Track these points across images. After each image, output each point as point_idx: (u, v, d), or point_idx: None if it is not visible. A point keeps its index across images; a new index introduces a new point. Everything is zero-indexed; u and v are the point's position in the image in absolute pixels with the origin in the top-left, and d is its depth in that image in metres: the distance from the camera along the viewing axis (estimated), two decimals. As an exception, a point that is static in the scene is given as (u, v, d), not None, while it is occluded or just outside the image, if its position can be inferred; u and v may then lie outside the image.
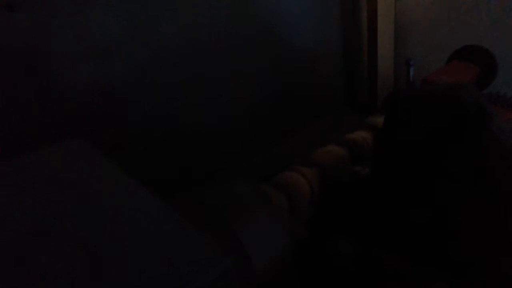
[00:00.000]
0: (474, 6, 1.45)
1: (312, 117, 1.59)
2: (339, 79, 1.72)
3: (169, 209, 0.50)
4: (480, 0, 1.43)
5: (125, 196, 0.52)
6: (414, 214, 0.78)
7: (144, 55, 1.09)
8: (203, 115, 1.27)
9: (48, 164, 0.57)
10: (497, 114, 0.77)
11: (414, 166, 0.78)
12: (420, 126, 0.77)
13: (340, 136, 1.11)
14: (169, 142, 1.18)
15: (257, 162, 1.38)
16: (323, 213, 0.99)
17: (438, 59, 1.46)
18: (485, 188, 0.73)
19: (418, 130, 0.77)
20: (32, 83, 0.92)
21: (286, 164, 1.03)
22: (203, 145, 1.29)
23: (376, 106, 1.65)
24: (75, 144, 0.61)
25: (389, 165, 0.83)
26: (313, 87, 1.60)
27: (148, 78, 1.11)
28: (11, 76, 0.89)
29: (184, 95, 1.20)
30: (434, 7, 1.53)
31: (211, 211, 0.77)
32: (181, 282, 0.42)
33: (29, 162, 0.58)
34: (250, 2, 1.31)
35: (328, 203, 0.99)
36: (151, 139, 1.15)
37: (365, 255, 0.84)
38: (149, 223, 0.48)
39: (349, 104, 1.76)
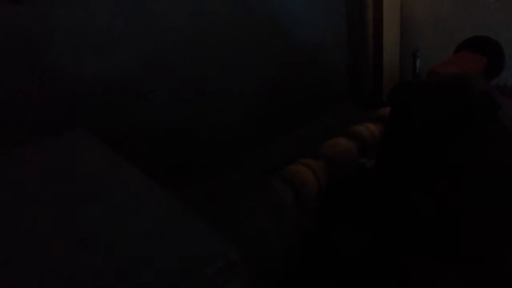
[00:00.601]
0: (481, -3, 1.43)
1: (317, 110, 1.57)
2: (344, 72, 1.70)
3: (175, 200, 0.50)
4: (488, -9, 1.41)
5: (129, 188, 0.51)
6: (422, 206, 0.78)
7: (147, 48, 1.08)
8: (206, 108, 1.26)
9: (51, 155, 0.56)
10: (505, 103, 0.76)
11: (421, 157, 0.77)
12: (427, 116, 0.76)
13: (346, 128, 1.10)
14: (173, 135, 1.18)
15: (262, 155, 1.37)
16: (329, 205, 0.98)
17: (445, 50, 1.44)
18: (491, 179, 0.72)
19: (424, 120, 0.76)
20: (35, 75, 0.91)
21: (291, 156, 1.02)
22: (207, 139, 1.28)
23: (381, 99, 1.63)
24: (78, 135, 0.60)
25: (395, 156, 0.83)
26: (318, 80, 1.59)
27: (151, 71, 1.10)
28: (15, 68, 0.89)
29: (188, 88, 1.20)
30: (441, -2, 1.52)
31: (217, 202, 0.77)
32: (186, 275, 0.41)
33: (31, 153, 0.57)
34: (254, -5, 1.30)
35: (335, 195, 0.98)
36: (155, 132, 1.15)
37: (372, 247, 0.84)
38: (154, 215, 0.47)
39: (354, 97, 1.75)
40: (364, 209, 0.90)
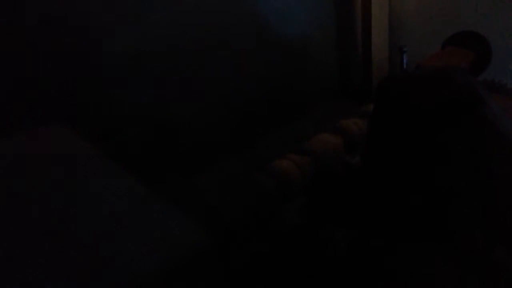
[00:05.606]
0: (469, -8, 1.43)
1: (306, 107, 1.57)
2: (333, 68, 1.70)
3: (150, 192, 0.49)
4: (475, -14, 1.41)
5: (103, 180, 0.50)
6: (409, 200, 0.77)
7: (132, 43, 1.06)
8: (193, 105, 1.25)
9: (23, 148, 0.55)
10: (490, 98, 0.75)
11: (406, 150, 0.77)
12: (411, 108, 0.76)
13: (334, 124, 1.10)
14: (158, 133, 1.17)
15: (251, 152, 1.36)
16: (316, 201, 0.97)
17: (433, 46, 1.44)
18: (480, 172, 0.72)
19: (409, 114, 0.76)
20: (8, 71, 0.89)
21: (280, 154, 1.01)
22: (194, 136, 1.27)
23: (370, 95, 1.63)
24: (54, 130, 0.59)
25: (380, 150, 0.82)
26: (307, 76, 1.58)
27: (135, 67, 1.09)
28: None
29: (174, 84, 1.18)
30: (429, -7, 1.52)
31: (202, 198, 0.76)
32: (158, 264, 0.40)
33: (4, 148, 0.56)
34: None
35: (321, 191, 0.97)
36: (144, 128, 1.13)
37: (360, 244, 0.83)
38: (126, 207, 0.46)
39: (344, 93, 1.74)
40: (351, 206, 0.89)
